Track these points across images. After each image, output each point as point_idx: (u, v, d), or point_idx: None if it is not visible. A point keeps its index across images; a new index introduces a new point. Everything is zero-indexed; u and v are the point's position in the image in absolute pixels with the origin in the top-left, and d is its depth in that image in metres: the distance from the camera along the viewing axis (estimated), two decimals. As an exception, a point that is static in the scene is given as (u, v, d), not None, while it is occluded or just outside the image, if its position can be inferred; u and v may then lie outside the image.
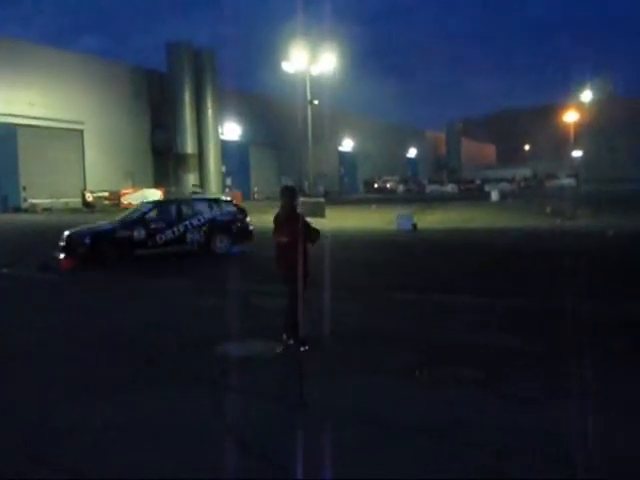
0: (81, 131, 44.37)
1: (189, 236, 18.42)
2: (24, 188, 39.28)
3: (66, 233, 17.10)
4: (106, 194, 42.20)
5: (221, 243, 18.67)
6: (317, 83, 42.46)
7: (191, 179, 50.07)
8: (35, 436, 5.66)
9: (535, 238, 22.37)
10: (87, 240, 16.82)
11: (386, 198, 57.80)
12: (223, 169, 54.24)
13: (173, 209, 18.93)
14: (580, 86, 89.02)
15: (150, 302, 12.20)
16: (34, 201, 37.69)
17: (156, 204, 19.87)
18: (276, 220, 8.42)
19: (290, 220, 8.16)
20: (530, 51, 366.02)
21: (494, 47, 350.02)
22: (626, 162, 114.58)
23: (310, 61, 39.96)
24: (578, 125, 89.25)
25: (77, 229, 17.92)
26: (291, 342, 8.22)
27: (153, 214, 18.41)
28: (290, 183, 55.66)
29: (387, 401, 6.40)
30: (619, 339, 8.62)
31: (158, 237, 17.93)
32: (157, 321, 10.34)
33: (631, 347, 8.25)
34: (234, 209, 19.94)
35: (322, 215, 33.65)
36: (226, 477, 4.88)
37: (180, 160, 49.91)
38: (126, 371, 7.61)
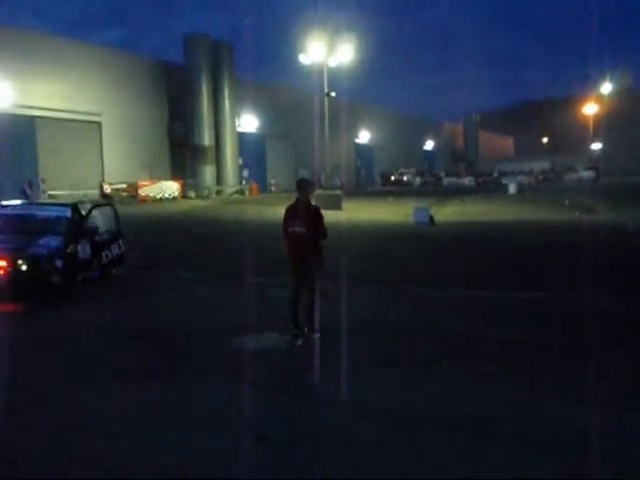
0: (99, 123, 44.48)
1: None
2: (43, 180, 39.50)
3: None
4: (124, 186, 42.40)
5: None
6: (334, 75, 42.32)
7: (208, 171, 50.13)
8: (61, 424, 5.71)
9: (553, 232, 22.20)
10: (59, 263, 11.35)
11: (403, 190, 57.59)
12: (240, 161, 54.27)
13: (110, 214, 14.19)
14: (600, 78, 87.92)
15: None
16: (53, 193, 37.92)
17: (74, 206, 13.22)
18: (289, 211, 8.53)
19: (307, 212, 8.31)
20: (549, 42, 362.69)
21: (513, 39, 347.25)
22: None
23: (327, 53, 39.81)
24: (597, 117, 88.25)
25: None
26: (306, 331, 8.33)
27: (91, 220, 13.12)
28: (307, 175, 55.70)
29: (408, 394, 6.38)
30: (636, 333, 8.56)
31: (104, 254, 13.19)
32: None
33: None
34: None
35: (339, 207, 33.62)
36: (244, 467, 4.89)
37: (197, 152, 49.94)
38: (140, 362, 7.66)
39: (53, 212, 13.19)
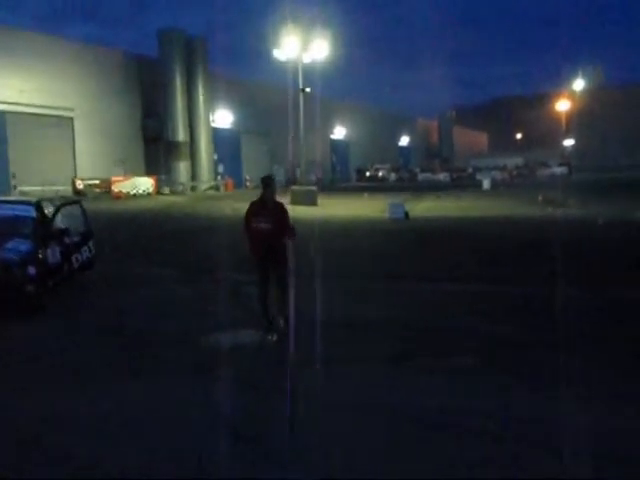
0: (71, 118, 43.97)
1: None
2: (14, 175, 38.94)
3: None
4: (97, 182, 41.97)
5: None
6: (309, 71, 42.21)
7: (183, 167, 49.79)
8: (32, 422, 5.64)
9: (528, 226, 22.40)
10: (32, 270, 9.91)
11: (378, 186, 57.75)
12: (215, 157, 54.00)
13: (78, 212, 12.82)
14: (572, 75, 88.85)
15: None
16: (24, 188, 37.39)
17: (37, 204, 11.72)
18: (254, 207, 8.58)
19: (274, 208, 8.43)
20: (523, 39, 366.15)
21: (487, 35, 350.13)
22: (617, 151, 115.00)
23: (302, 49, 39.70)
24: (570, 114, 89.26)
25: None
26: (282, 323, 8.34)
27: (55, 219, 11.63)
28: (282, 171, 55.59)
29: (384, 390, 6.39)
30: (606, 326, 8.65)
31: (75, 258, 11.75)
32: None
33: (621, 336, 8.28)
34: None
35: (314, 203, 33.65)
36: (221, 464, 4.86)
37: (171, 148, 49.57)
38: (116, 360, 7.60)
39: (14, 211, 11.62)
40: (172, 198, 41.72)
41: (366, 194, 43.62)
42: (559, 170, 77.06)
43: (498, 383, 6.51)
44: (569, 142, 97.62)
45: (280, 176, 55.88)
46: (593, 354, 7.21)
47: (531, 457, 4.88)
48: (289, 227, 8.32)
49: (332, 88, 68.86)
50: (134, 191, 43.01)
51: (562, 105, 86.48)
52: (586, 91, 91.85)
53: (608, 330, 8.45)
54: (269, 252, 8.28)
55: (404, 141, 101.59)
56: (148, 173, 47.60)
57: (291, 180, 43.63)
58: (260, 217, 8.37)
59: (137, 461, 4.91)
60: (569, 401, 5.80)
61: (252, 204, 8.64)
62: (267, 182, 8.55)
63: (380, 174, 79.20)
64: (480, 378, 6.68)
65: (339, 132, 78.19)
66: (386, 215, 27.12)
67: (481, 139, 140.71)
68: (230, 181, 53.35)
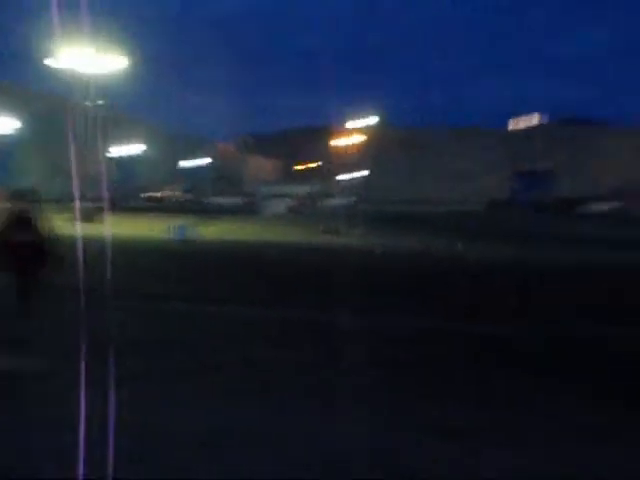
0: None
1: None
2: None
3: None
4: None
5: None
6: (98, 84, 40.53)
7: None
8: None
9: (307, 253, 23.03)
10: None
11: (166, 207, 56.79)
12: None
13: None
14: (359, 112, 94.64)
15: None
16: None
17: None
18: (10, 220, 8.28)
19: (32, 221, 8.26)
20: (315, 74, 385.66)
21: (280, 68, 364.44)
22: (396, 184, 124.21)
23: (89, 60, 38.01)
24: (357, 148, 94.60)
25: None
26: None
27: None
28: (62, 185, 52.58)
29: (159, 410, 6.05)
30: (376, 348, 8.94)
31: None
32: None
33: (398, 356, 8.57)
34: None
35: (98, 221, 32.11)
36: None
37: None
38: None
39: None
40: None
41: (152, 214, 42.66)
42: (346, 201, 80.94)
43: (274, 405, 6.41)
44: (356, 174, 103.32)
45: (60, 191, 53.06)
46: (357, 373, 7.36)
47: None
48: (46, 239, 8.23)
49: (126, 104, 67.01)
50: None
51: (349, 140, 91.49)
52: (371, 128, 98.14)
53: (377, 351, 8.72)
54: (27, 265, 8.09)
55: (197, 163, 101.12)
56: None
57: (72, 196, 41.35)
58: (16, 230, 8.16)
59: None
60: (339, 420, 5.80)
61: (8, 217, 8.36)
62: (17, 196, 8.58)
63: (168, 195, 78.01)
64: (256, 399, 6.54)
65: (128, 149, 75.96)
66: (171, 236, 26.66)
67: (272, 166, 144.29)
68: (2, 192, 49.44)
